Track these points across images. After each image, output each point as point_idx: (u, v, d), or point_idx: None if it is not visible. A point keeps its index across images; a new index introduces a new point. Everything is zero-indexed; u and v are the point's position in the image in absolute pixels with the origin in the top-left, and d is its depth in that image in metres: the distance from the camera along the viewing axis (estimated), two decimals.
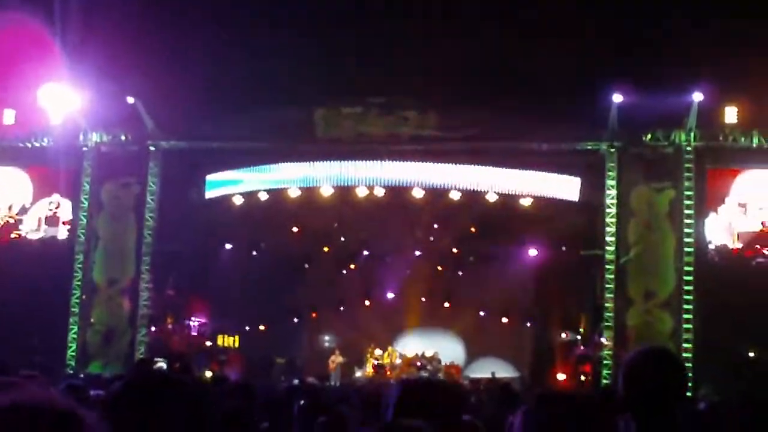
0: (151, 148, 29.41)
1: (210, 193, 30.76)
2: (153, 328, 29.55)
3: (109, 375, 22.12)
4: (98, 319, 29.11)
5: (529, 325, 36.02)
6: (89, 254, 29.31)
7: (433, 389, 3.78)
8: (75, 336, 28.92)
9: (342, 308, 36.89)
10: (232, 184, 30.60)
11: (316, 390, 12.35)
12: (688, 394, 24.57)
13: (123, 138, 29.49)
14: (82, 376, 25.17)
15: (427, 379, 4.34)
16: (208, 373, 30.24)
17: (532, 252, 33.20)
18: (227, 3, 28.05)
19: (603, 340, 27.63)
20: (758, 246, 27.62)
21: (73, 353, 28.80)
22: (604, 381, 26.96)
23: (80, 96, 27.86)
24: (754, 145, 27.24)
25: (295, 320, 37.47)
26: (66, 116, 28.48)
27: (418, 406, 3.65)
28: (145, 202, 29.29)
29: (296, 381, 22.55)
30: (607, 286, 27.63)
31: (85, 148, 29.52)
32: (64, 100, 27.74)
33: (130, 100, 28.08)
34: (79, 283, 29.20)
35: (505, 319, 35.53)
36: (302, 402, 8.51)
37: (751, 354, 28.13)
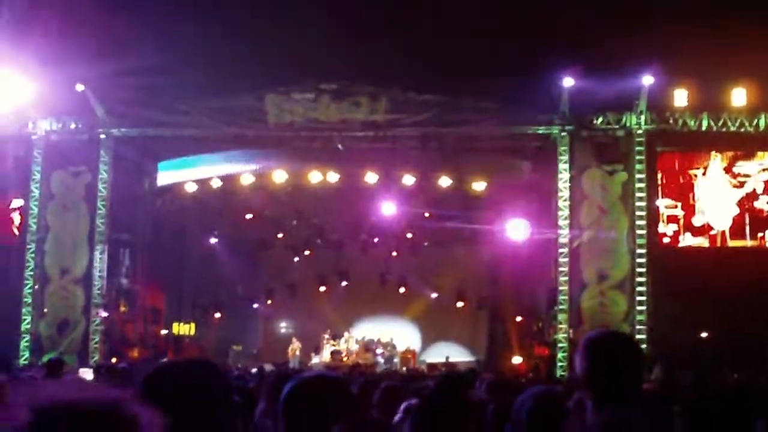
0: (102, 136, 29.12)
1: (162, 179, 30.54)
2: (106, 314, 29.26)
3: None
4: (51, 309, 28.82)
5: (483, 309, 36.16)
6: (41, 244, 29.00)
7: (323, 386, 3.71)
8: (28, 327, 28.62)
9: (297, 295, 36.85)
10: (186, 166, 30.33)
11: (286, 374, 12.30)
12: None
13: (73, 126, 29.16)
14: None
15: (319, 374, 4.22)
16: (165, 361, 30.12)
17: (486, 236, 33.32)
18: None
19: (558, 323, 27.76)
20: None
21: (27, 344, 28.51)
22: (560, 363, 27.11)
23: (29, 84, 27.51)
24: (704, 128, 27.42)
25: (254, 306, 37.45)
26: (14, 104, 28.09)
27: (308, 402, 3.60)
28: (97, 190, 28.99)
29: (254, 369, 22.51)
30: (561, 269, 27.74)
31: (34, 137, 29.17)
32: (11, 87, 27.38)
33: (80, 87, 27.77)
34: (31, 273, 28.87)
35: (460, 304, 35.63)
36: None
37: (704, 334, 28.42)
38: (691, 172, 28.02)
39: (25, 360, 27.84)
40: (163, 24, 27.03)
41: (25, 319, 28.64)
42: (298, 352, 33.47)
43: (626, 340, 3.87)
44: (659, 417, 3.97)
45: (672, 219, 27.91)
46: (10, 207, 29.59)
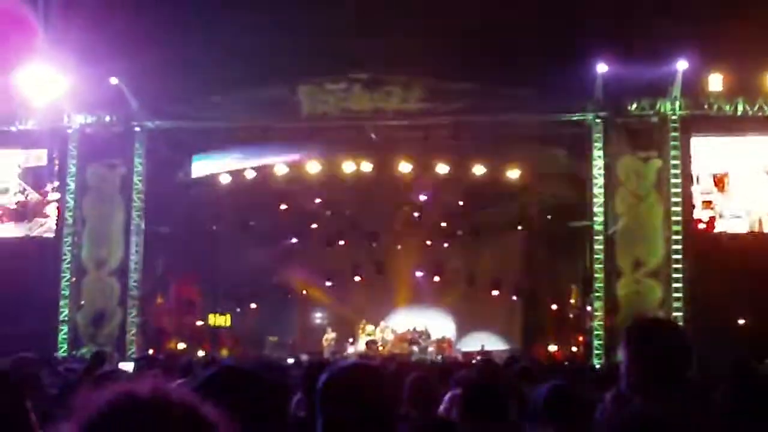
0: (136, 129, 29.29)
1: (196, 171, 30.70)
2: (142, 308, 29.48)
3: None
4: (88, 301, 29.04)
5: (518, 297, 36.08)
6: (78, 236, 29.21)
7: (360, 376, 3.70)
8: (66, 319, 28.84)
9: (332, 285, 36.93)
10: (220, 158, 30.49)
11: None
12: None
13: (107, 119, 29.35)
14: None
15: (355, 364, 4.21)
16: (201, 353, 30.35)
17: (520, 224, 33.31)
18: None
19: (594, 311, 27.65)
20: None
21: (65, 336, 28.73)
22: (596, 351, 27.03)
23: (63, 77, 27.68)
24: (739, 113, 27.18)
25: (287, 297, 37.53)
26: (50, 98, 28.28)
27: (345, 394, 3.59)
28: (132, 183, 29.17)
29: (291, 360, 22.62)
30: (596, 256, 27.61)
31: (69, 130, 29.39)
32: (46, 81, 27.57)
33: (114, 80, 27.94)
34: (68, 265, 29.10)
35: (495, 292, 35.55)
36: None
37: (741, 321, 28.22)
38: None
39: (63, 352, 28.07)
40: (196, 16, 27.10)
41: (62, 311, 28.87)
42: (333, 343, 33.53)
43: (671, 327, 3.80)
44: (698, 407, 3.90)
45: (708, 204, 27.68)
46: (47, 200, 29.80)
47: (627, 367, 3.69)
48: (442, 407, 6.77)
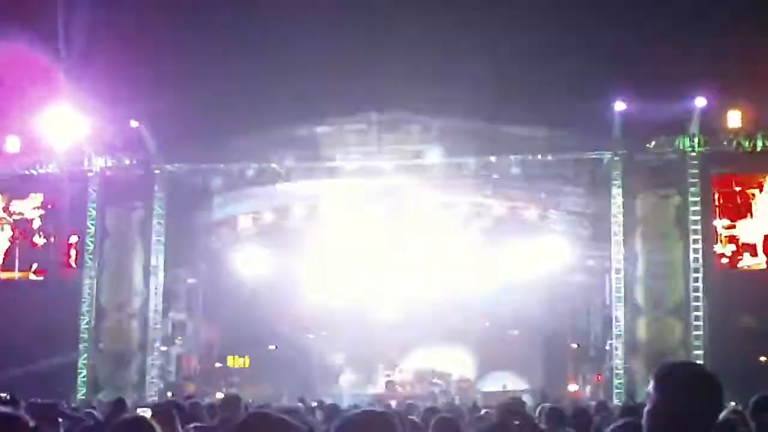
0: (156, 172, 29.37)
1: (216, 213, 30.75)
2: (164, 349, 29.45)
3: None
4: (108, 344, 29.03)
5: (538, 336, 35.85)
6: (97, 279, 29.25)
7: (372, 424, 3.64)
8: (85, 362, 28.81)
9: (351, 325, 36.76)
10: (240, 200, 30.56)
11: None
12: None
13: (127, 162, 29.48)
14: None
15: (366, 412, 4.11)
16: (219, 395, 30.24)
17: (540, 262, 33.14)
18: (226, 25, 28.11)
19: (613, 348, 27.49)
20: None
21: (84, 379, 28.70)
22: (616, 390, 26.84)
23: (84, 121, 27.86)
24: (759, 149, 27.06)
25: (309, 337, 37.39)
26: (71, 141, 28.44)
27: None
28: (152, 225, 29.22)
29: (314, 402, 22.45)
30: (616, 295, 27.48)
31: (90, 174, 29.50)
32: (67, 125, 27.74)
33: (134, 123, 28.09)
34: (88, 308, 29.11)
35: (515, 331, 35.34)
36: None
37: (763, 358, 27.98)
38: (749, 191, 27.67)
39: (81, 395, 28.00)
40: (215, 59, 27.29)
41: (82, 354, 28.84)
42: (349, 385, 33.31)
43: (702, 372, 3.76)
44: None
45: (731, 239, 27.54)
46: (69, 243, 29.90)
47: (654, 408, 3.65)
48: None
